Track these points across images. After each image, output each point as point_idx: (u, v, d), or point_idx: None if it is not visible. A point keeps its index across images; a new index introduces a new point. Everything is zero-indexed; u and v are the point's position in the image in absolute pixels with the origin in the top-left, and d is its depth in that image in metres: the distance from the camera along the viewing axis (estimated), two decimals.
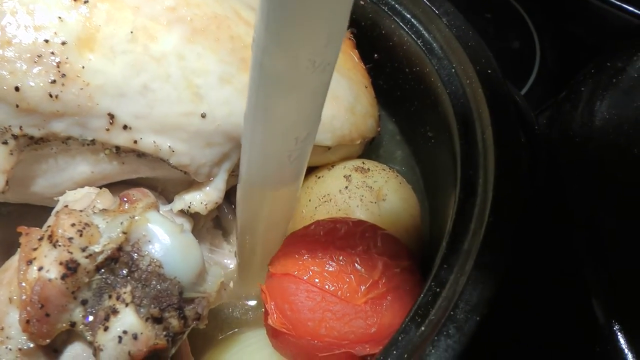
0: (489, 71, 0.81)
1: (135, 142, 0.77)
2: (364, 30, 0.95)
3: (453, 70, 0.83)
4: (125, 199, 0.71)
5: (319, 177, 0.88)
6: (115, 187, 0.81)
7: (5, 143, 0.74)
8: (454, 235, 0.69)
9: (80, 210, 0.69)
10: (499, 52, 0.88)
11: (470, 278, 0.63)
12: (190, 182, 0.84)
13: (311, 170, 0.91)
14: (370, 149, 0.97)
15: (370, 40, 0.95)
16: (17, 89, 0.71)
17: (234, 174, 0.85)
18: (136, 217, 0.68)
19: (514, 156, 0.74)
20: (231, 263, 0.89)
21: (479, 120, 0.78)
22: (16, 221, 0.86)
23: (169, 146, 0.77)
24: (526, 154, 0.81)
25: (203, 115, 0.77)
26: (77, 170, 0.80)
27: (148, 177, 0.83)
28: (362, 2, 0.93)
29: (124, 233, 0.67)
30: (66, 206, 0.74)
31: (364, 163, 0.89)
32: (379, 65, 0.96)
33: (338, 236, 0.77)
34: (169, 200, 0.86)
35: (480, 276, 0.63)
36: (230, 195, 0.89)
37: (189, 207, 0.83)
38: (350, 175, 0.86)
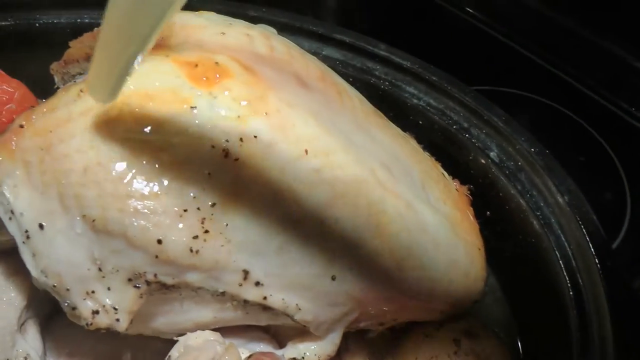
0: (610, 266, 0.81)
1: (265, 298, 0.78)
2: (481, 188, 0.96)
3: (573, 262, 0.84)
4: None
5: (426, 336, 0.89)
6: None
7: (137, 287, 0.75)
8: None
9: None
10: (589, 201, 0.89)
11: None
12: (304, 330, 0.84)
13: (417, 324, 0.92)
14: None
15: (486, 198, 0.96)
16: (159, 241, 0.72)
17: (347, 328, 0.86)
18: None
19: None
20: None
21: (597, 316, 0.79)
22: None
23: (296, 304, 0.79)
24: None
25: (333, 278, 0.79)
26: (200, 314, 0.80)
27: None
28: (483, 161, 0.95)
29: None
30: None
31: (471, 326, 0.90)
32: (490, 223, 0.96)
33: None
34: (279, 342, 0.87)
35: None
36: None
37: (303, 357, 0.83)
38: (459, 341, 0.87)
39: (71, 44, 0.93)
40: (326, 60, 0.91)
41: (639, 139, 1.22)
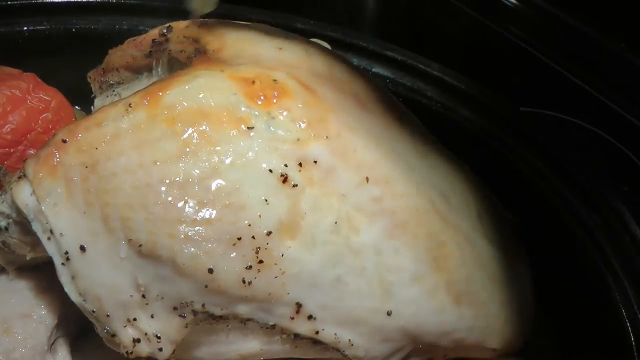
0: None
1: (317, 332, 0.74)
2: (535, 219, 0.92)
3: (635, 308, 0.80)
4: None
5: None
6: None
7: (182, 316, 0.71)
8: None
9: None
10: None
11: None
12: None
13: None
14: None
15: (540, 231, 0.91)
16: (210, 270, 0.68)
17: None
18: None
19: None
20: None
21: None
22: None
23: (349, 340, 0.75)
24: None
25: (389, 313, 0.75)
26: (245, 345, 0.76)
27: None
28: (539, 191, 0.91)
29: None
30: None
31: None
32: (544, 258, 0.91)
33: None
34: None
35: None
36: None
37: None
38: None
39: (111, 51, 0.89)
40: (375, 78, 0.87)
41: None
